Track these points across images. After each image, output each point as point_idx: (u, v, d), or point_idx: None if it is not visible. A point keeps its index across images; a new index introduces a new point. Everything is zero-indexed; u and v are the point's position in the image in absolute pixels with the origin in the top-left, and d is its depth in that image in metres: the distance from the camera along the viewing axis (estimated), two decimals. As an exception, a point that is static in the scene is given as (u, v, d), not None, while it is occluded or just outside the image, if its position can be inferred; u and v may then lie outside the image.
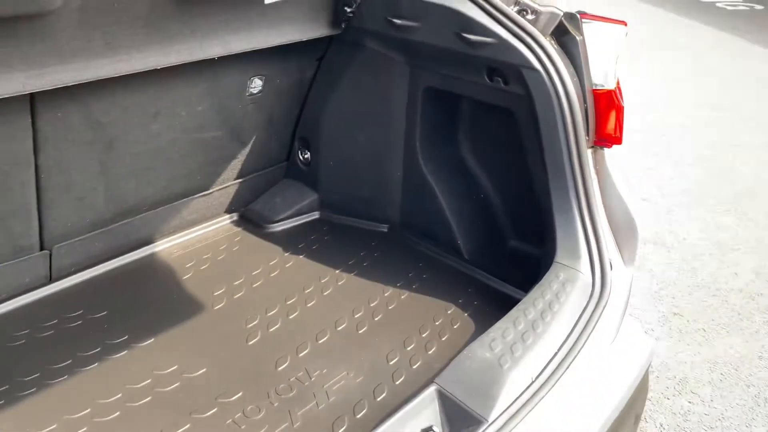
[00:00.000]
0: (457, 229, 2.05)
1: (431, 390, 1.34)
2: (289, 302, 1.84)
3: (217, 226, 2.23)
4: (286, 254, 2.09)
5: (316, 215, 2.32)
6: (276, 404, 1.48)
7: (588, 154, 1.67)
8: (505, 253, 1.99)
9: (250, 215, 2.28)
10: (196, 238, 2.15)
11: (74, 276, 1.90)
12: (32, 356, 1.59)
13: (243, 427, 1.42)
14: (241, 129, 2.14)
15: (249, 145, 2.22)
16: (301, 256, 2.08)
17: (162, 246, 2.08)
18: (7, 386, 1.48)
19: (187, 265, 2.01)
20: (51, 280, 1.87)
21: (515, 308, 1.52)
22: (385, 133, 2.13)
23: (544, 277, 1.60)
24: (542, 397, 1.30)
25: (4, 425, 1.38)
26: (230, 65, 1.92)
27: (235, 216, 2.29)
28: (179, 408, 1.46)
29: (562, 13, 1.67)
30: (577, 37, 1.67)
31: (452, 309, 1.83)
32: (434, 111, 2.02)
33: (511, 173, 1.92)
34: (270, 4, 1.78)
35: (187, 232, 2.15)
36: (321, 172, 2.30)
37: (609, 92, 1.67)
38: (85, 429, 1.39)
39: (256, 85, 2.08)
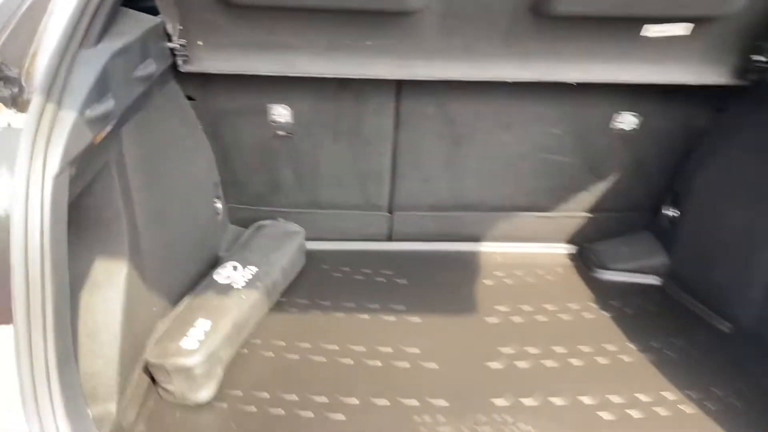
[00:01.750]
0: None
1: None
2: (554, 348, 1.72)
3: (547, 250, 2.19)
4: (595, 304, 1.92)
5: (656, 281, 2.03)
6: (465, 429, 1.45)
7: None
8: None
9: (586, 252, 2.15)
10: (522, 254, 2.17)
11: (406, 243, 2.18)
12: (350, 287, 1.96)
13: (422, 429, 1.45)
14: (600, 163, 2.02)
15: (608, 182, 2.07)
16: (606, 313, 1.88)
17: (486, 248, 2.18)
18: (328, 302, 1.88)
19: (496, 273, 2.07)
20: (390, 239, 2.19)
21: None
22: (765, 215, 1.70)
23: None
24: None
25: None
26: (596, 94, 1.83)
27: (571, 248, 2.20)
28: (392, 385, 1.58)
29: None
30: None
31: None
32: None
33: None
34: (653, 38, 1.61)
35: (516, 244, 2.19)
36: (682, 237, 1.99)
37: None
38: (323, 356, 1.66)
39: (627, 121, 1.91)
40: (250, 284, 1.76)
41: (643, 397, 1.56)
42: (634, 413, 1.51)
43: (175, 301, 1.69)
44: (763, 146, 1.71)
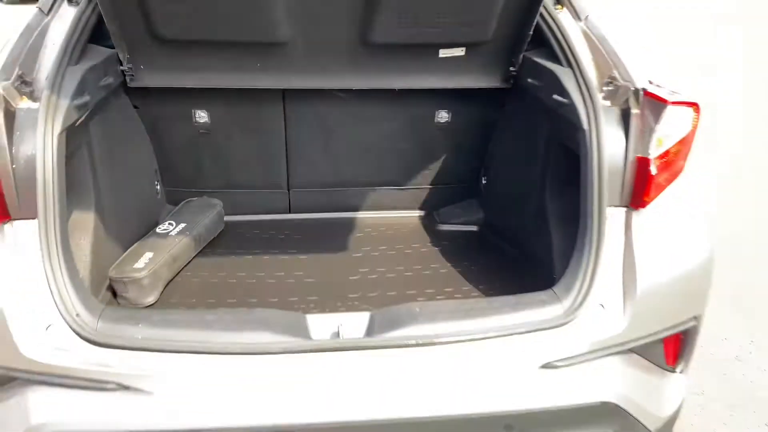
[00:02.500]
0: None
1: None
2: (397, 267, 2.52)
3: (404, 214, 3.01)
4: (434, 245, 2.74)
5: (474, 228, 2.88)
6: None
7: (615, 211, 1.88)
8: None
9: (432, 215, 2.99)
10: (386, 218, 2.98)
11: (302, 214, 2.96)
12: (258, 241, 2.71)
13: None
14: (431, 148, 2.88)
15: (440, 162, 2.93)
16: (438, 248, 2.71)
17: (362, 215, 2.99)
18: (241, 250, 2.62)
19: (366, 230, 2.87)
20: (289, 211, 2.97)
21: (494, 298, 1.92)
22: (531, 172, 2.57)
23: (535, 293, 1.90)
24: None
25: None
26: (420, 97, 2.69)
27: (421, 212, 3.03)
28: (282, 291, 2.33)
29: (632, 89, 1.92)
30: (634, 111, 1.89)
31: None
32: (552, 158, 2.38)
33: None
34: (445, 58, 2.48)
35: (383, 212, 3.00)
36: (489, 197, 2.86)
37: (645, 160, 1.84)
38: (235, 279, 2.40)
39: (443, 116, 2.79)
40: (181, 233, 2.50)
41: (448, 290, 2.37)
42: (439, 297, 2.31)
43: (127, 246, 2.41)
44: (522, 128, 2.60)
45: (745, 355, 3.07)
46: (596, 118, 1.92)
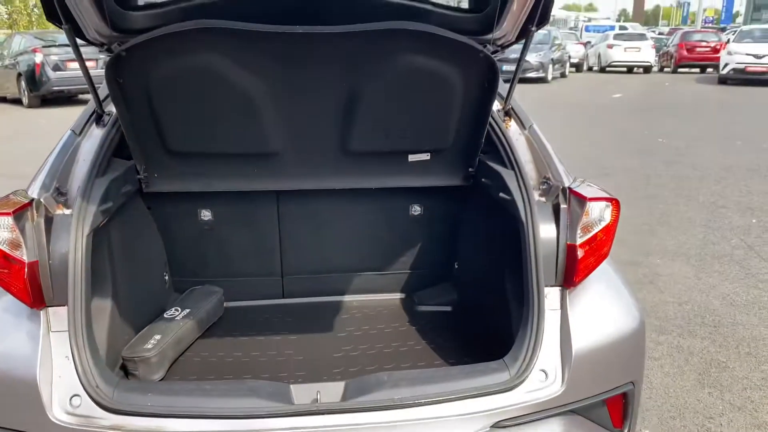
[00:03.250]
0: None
1: None
2: (376, 345, 2.83)
3: (385, 296, 3.35)
4: (411, 323, 3.06)
5: (449, 308, 3.21)
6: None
7: (552, 290, 2.22)
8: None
9: (411, 296, 3.32)
10: (370, 301, 3.31)
11: (296, 299, 3.30)
12: (254, 323, 3.04)
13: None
14: (408, 237, 3.26)
15: (417, 249, 3.30)
16: (415, 327, 3.03)
17: (348, 298, 3.33)
18: (238, 332, 2.94)
19: (352, 311, 3.20)
20: (282, 296, 3.32)
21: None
22: (491, 258, 2.93)
23: (488, 363, 2.21)
24: None
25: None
26: (395, 194, 3.10)
27: (402, 294, 3.37)
28: (272, 368, 2.64)
29: (561, 187, 2.31)
30: (562, 206, 2.28)
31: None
32: (506, 245, 2.75)
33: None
34: (414, 161, 2.91)
35: (366, 295, 3.34)
36: (459, 280, 3.21)
37: (573, 246, 2.20)
38: (232, 359, 2.72)
39: (416, 209, 3.19)
40: (185, 317, 2.84)
41: (421, 364, 2.67)
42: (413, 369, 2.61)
43: (139, 329, 2.74)
44: (482, 220, 2.99)
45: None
46: (532, 212, 2.30)
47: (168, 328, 2.73)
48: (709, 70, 26.49)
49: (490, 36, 2.51)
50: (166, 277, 3.14)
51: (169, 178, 2.86)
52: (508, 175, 2.52)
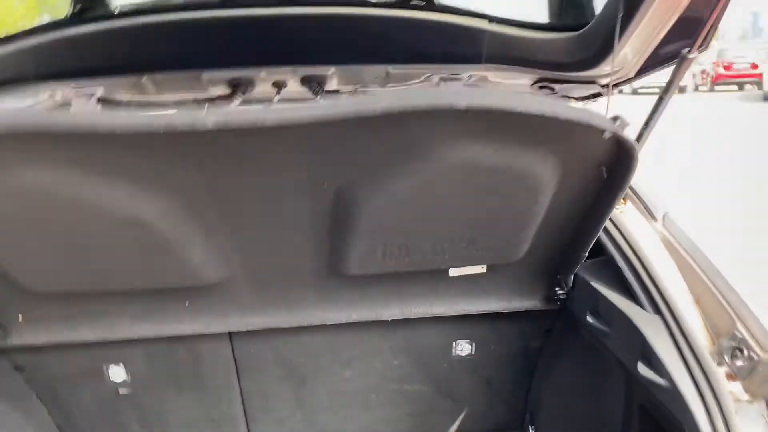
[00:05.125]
0: None
1: None
2: None
3: None
4: None
5: None
6: None
7: None
8: None
9: None
10: None
11: None
12: None
13: None
14: (450, 390, 2.01)
15: (466, 405, 2.05)
16: None
17: None
18: None
19: None
20: None
21: None
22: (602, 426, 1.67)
23: None
24: None
25: None
26: (427, 325, 1.86)
27: None
28: None
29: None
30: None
31: None
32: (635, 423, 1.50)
33: None
34: (457, 277, 1.68)
35: None
36: None
37: None
38: None
39: (463, 347, 1.94)
40: None
41: None
42: None
43: None
44: (584, 369, 1.73)
45: None
46: (726, 422, 1.06)
47: None
48: (748, 86, 24.91)
49: (600, 70, 1.34)
50: None
51: (43, 324, 1.69)
52: (650, 327, 1.28)
